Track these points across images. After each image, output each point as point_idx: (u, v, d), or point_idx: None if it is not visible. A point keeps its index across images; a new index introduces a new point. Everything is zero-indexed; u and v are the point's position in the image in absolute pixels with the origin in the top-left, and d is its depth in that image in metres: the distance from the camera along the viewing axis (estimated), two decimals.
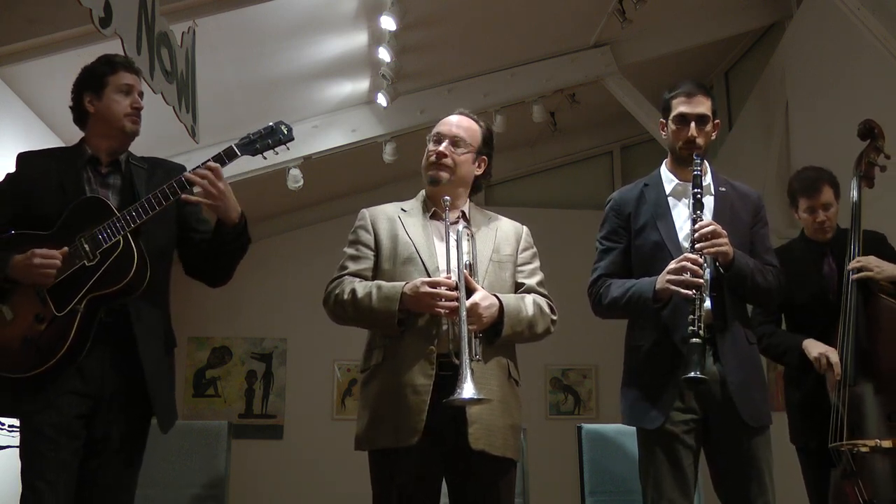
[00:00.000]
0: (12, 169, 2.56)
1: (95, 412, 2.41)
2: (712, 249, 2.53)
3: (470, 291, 2.43)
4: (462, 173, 2.64)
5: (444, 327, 2.44)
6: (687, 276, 2.48)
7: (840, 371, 3.02)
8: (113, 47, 2.82)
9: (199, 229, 2.62)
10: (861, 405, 3.00)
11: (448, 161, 2.61)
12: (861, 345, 3.03)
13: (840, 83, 4.89)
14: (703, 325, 2.44)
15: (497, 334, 2.46)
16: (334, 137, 5.83)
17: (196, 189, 2.43)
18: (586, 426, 3.53)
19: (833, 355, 3.07)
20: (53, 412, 2.34)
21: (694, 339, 2.44)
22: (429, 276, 2.48)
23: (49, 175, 2.50)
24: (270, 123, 2.54)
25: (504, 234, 2.67)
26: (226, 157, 2.47)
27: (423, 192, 2.71)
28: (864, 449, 2.88)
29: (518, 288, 2.62)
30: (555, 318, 2.62)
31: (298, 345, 7.33)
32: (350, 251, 2.64)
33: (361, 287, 2.50)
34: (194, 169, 2.43)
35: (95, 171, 2.55)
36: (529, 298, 2.57)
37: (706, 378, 2.43)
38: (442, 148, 2.62)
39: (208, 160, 2.45)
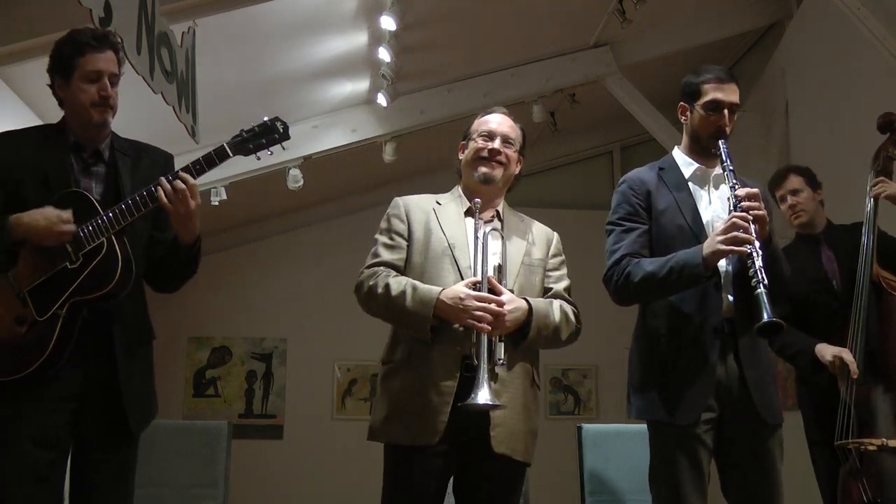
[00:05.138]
0: None
1: (80, 414, 2.28)
2: (758, 211, 2.43)
3: (497, 294, 2.39)
4: (511, 172, 2.63)
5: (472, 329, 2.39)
6: (739, 233, 2.37)
7: (856, 370, 2.99)
8: None
9: (162, 230, 2.46)
10: (870, 403, 2.99)
11: (503, 158, 2.58)
12: (872, 342, 3.02)
13: (840, 83, 4.88)
14: (764, 277, 2.32)
15: (524, 337, 2.42)
16: (334, 137, 5.82)
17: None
18: (586, 426, 3.53)
19: (847, 355, 3.04)
20: (30, 424, 2.20)
21: (759, 289, 2.30)
22: (461, 275, 2.44)
23: (30, 160, 2.33)
24: (265, 119, 2.40)
25: (536, 237, 2.63)
26: (217, 157, 2.34)
27: (458, 188, 2.66)
28: (870, 447, 2.87)
29: (546, 293, 2.57)
30: (580, 326, 2.56)
31: (298, 345, 7.34)
32: (384, 239, 2.56)
33: (396, 284, 2.42)
34: (177, 172, 2.29)
35: (79, 156, 2.39)
36: (557, 304, 2.52)
37: (782, 322, 2.29)
38: (497, 145, 2.59)
39: (196, 161, 2.32)
